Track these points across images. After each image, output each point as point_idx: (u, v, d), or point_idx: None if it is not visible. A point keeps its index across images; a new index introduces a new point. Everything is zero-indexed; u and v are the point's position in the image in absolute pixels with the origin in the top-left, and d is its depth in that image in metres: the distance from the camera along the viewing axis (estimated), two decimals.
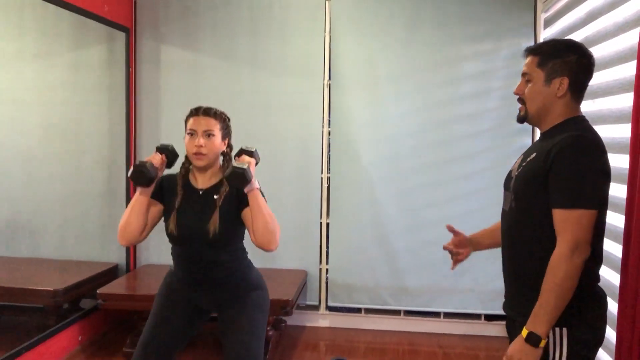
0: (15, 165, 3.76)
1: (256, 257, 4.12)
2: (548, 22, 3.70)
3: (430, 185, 4.03)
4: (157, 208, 2.24)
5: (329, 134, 4.13)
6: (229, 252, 2.24)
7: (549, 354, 1.65)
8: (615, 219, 2.35)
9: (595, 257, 1.70)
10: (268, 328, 3.60)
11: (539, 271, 1.66)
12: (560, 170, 1.60)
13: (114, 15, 3.93)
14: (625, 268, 1.94)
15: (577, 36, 3.06)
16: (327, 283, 4.18)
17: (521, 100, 1.80)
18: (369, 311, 4.18)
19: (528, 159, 1.75)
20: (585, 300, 1.66)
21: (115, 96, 4.13)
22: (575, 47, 1.74)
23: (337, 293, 4.16)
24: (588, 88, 1.77)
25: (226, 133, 2.28)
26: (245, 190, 2.11)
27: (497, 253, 1.99)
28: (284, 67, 4.11)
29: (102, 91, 4.14)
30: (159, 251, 4.20)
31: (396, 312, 4.16)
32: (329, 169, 4.14)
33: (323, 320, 4.22)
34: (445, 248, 2.21)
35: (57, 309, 3.65)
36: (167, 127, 4.23)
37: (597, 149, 1.64)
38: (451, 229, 2.17)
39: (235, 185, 2.10)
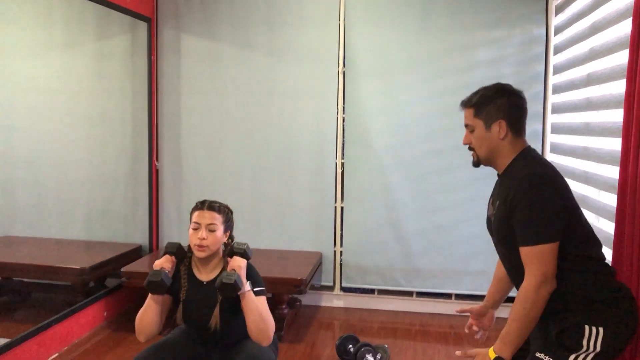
0: (43, 150, 3.92)
1: (273, 239, 4.31)
2: (559, 9, 3.75)
3: (441, 170, 4.11)
4: (167, 300, 2.35)
5: (343, 120, 4.23)
6: (237, 331, 2.34)
7: (582, 347, 1.73)
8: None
9: (600, 265, 1.81)
10: (283, 306, 3.75)
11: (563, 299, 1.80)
12: (518, 213, 1.75)
13: (137, 6, 4.08)
14: (620, 243, 2.02)
15: (586, 22, 3.12)
16: (341, 265, 4.31)
17: (471, 148, 1.95)
18: (381, 292, 4.31)
19: (496, 206, 1.89)
20: (611, 299, 1.77)
21: (138, 84, 4.29)
22: (503, 90, 1.88)
23: (351, 274, 4.29)
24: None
25: (228, 226, 2.37)
26: (239, 294, 2.21)
27: None
28: (300, 55, 4.22)
29: (126, 79, 4.30)
30: (179, 232, 4.38)
31: (408, 294, 4.28)
32: (343, 154, 4.25)
33: (337, 300, 4.35)
34: (469, 330, 2.30)
35: (83, 287, 3.84)
36: (187, 114, 4.38)
37: (545, 182, 1.76)
38: (463, 311, 2.29)
39: (226, 296, 2.21)
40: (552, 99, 3.86)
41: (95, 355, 3.40)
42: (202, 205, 2.33)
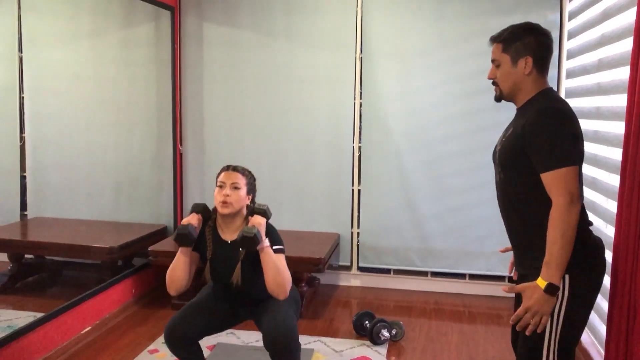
0: (72, 135, 4.08)
1: (292, 221, 4.45)
2: None
3: (456, 154, 4.21)
4: (195, 258, 2.55)
5: (360, 105, 4.35)
6: (260, 288, 2.49)
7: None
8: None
9: (583, 209, 1.90)
10: (303, 284, 3.91)
11: (533, 230, 1.89)
12: (536, 141, 1.81)
13: None
14: (620, 223, 2.13)
15: (599, 7, 3.18)
16: (358, 245, 4.45)
17: (495, 83, 2.03)
18: (397, 272, 4.45)
19: (507, 134, 1.98)
20: (581, 249, 1.85)
21: (162, 71, 4.44)
22: (532, 29, 1.95)
23: (368, 255, 4.43)
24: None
25: (251, 189, 2.55)
26: (258, 249, 2.38)
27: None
28: (318, 42, 4.33)
29: (150, 66, 4.45)
30: None
31: (423, 274, 4.41)
32: (360, 138, 4.37)
33: (355, 279, 4.50)
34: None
35: (112, 265, 4.02)
36: (209, 100, 4.53)
37: (564, 115, 1.84)
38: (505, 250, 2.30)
39: (246, 248, 2.38)
40: (566, 83, 3.92)
41: (125, 329, 3.60)
42: (227, 167, 2.52)
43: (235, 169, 2.52)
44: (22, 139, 3.64)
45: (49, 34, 3.87)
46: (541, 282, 1.81)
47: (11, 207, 3.70)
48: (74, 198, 4.15)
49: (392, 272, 4.46)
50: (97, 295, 3.65)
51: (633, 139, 2.03)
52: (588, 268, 1.89)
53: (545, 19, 3.99)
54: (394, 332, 3.42)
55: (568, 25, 3.91)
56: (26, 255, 3.88)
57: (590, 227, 1.97)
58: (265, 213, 2.48)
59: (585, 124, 3.40)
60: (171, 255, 3.94)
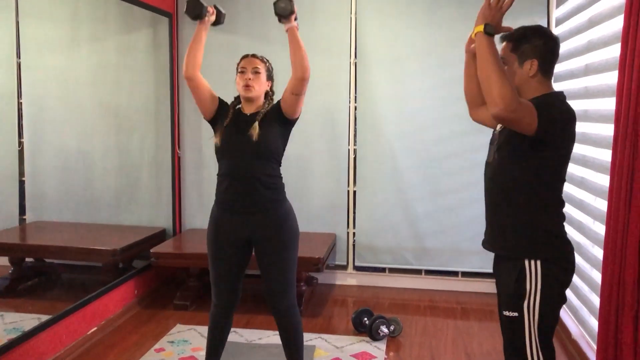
0: (71, 140, 4.13)
1: None
2: (560, 1, 3.95)
3: (449, 155, 4.35)
4: (211, 94, 2.69)
5: (355, 109, 4.47)
6: (268, 170, 2.59)
7: (526, 287, 1.95)
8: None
9: (559, 202, 2.01)
10: (302, 284, 4.02)
11: (514, 212, 1.99)
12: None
13: (158, 1, 4.30)
14: (610, 220, 2.27)
15: (584, 15, 3.33)
16: (354, 245, 4.57)
17: None
18: (392, 270, 4.58)
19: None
20: (557, 243, 1.98)
21: (160, 76, 4.52)
22: (542, 33, 2.03)
23: (364, 254, 4.55)
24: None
25: (269, 76, 2.71)
26: (285, 27, 2.55)
27: None
28: (313, 47, 4.42)
29: (148, 72, 4.53)
30: (201, 216, 4.64)
31: (417, 272, 4.54)
32: (355, 141, 4.50)
33: (351, 278, 4.62)
34: None
35: (114, 267, 4.09)
36: None
37: (565, 115, 1.96)
38: None
39: (281, 12, 2.51)
40: (554, 87, 4.06)
41: (130, 329, 3.69)
42: (247, 55, 2.69)
43: (254, 55, 2.68)
44: (20, 144, 3.70)
45: (48, 40, 3.93)
46: (480, 27, 1.94)
47: (10, 211, 3.75)
48: (73, 202, 4.21)
49: (387, 271, 4.59)
50: (102, 297, 3.72)
51: (621, 140, 2.17)
52: (561, 260, 1.99)
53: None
54: (392, 328, 3.54)
55: (555, 31, 4.06)
56: (27, 259, 3.95)
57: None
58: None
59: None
60: (172, 257, 4.10)
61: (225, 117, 2.65)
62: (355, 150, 4.50)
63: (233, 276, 2.67)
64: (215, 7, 2.76)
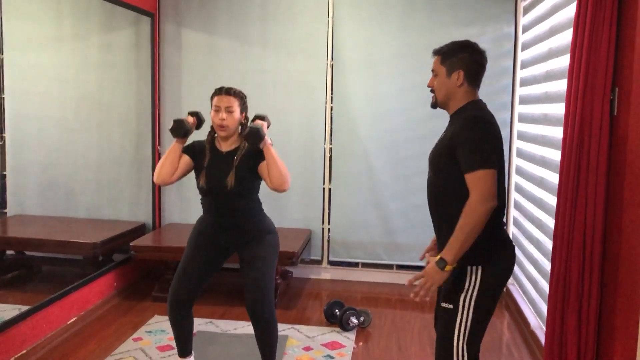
0: (54, 135, 4.22)
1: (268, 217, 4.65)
2: (526, 10, 4.14)
3: (421, 155, 4.44)
4: (188, 161, 2.79)
5: (331, 109, 4.63)
6: (246, 201, 2.79)
7: (464, 284, 2.08)
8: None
9: (498, 210, 2.11)
10: (277, 277, 4.16)
11: (452, 224, 2.08)
12: (462, 145, 2.04)
13: (140, 1, 4.41)
14: (558, 211, 2.45)
15: (548, 22, 3.51)
16: (328, 241, 4.74)
17: (432, 90, 2.25)
18: (365, 265, 4.75)
19: (441, 138, 2.24)
20: (492, 246, 2.11)
21: (141, 74, 4.63)
22: (468, 47, 2.18)
23: (337, 249, 4.71)
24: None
25: (243, 108, 2.82)
26: (260, 146, 2.66)
27: None
28: (291, 49, 4.59)
29: (130, 70, 4.64)
30: (180, 211, 4.77)
31: (389, 267, 4.72)
32: (331, 140, 4.65)
33: (325, 273, 4.78)
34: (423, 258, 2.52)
35: (94, 260, 4.18)
36: (187, 102, 4.74)
37: (487, 123, 2.08)
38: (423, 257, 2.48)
39: (252, 142, 2.64)
40: (520, 91, 4.28)
41: (109, 320, 3.80)
42: (220, 91, 2.78)
43: (227, 92, 2.76)
44: (2, 138, 3.79)
45: (31, 37, 4.01)
46: (438, 257, 2.04)
47: None
48: (54, 196, 4.30)
49: (360, 266, 4.76)
50: (81, 288, 3.83)
51: (569, 141, 2.35)
52: (497, 263, 2.12)
53: (502, 32, 4.34)
54: (362, 319, 3.70)
55: (522, 38, 4.27)
56: (7, 252, 4.04)
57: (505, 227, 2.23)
58: (264, 118, 2.80)
59: (534, 129, 3.76)
60: (152, 250, 4.22)
61: (203, 157, 2.78)
62: (330, 149, 4.66)
63: (197, 276, 2.81)
64: (197, 115, 2.87)
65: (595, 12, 2.26)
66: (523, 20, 4.24)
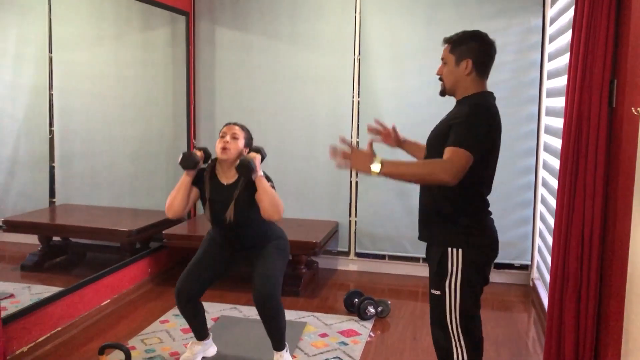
0: (96, 128, 4.49)
1: (295, 210, 4.82)
2: (553, 0, 4.08)
3: None
4: (196, 192, 2.91)
5: (358, 103, 4.70)
6: (251, 229, 2.91)
7: (447, 269, 2.13)
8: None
9: (480, 199, 2.19)
10: (302, 267, 4.28)
11: (437, 207, 2.18)
12: (457, 125, 2.07)
13: (176, 1, 4.62)
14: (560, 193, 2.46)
15: (569, 14, 3.46)
16: (355, 233, 4.82)
17: (441, 78, 2.29)
18: (391, 258, 4.81)
19: (442, 119, 2.27)
20: (475, 232, 2.15)
21: (177, 71, 4.84)
22: (478, 36, 2.22)
23: (364, 241, 4.79)
24: None
25: (248, 143, 2.91)
26: (253, 177, 2.75)
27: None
28: (320, 45, 4.69)
29: (167, 67, 4.86)
30: None
31: (415, 259, 4.75)
32: (358, 134, 4.73)
33: (352, 264, 4.87)
34: (370, 129, 2.62)
35: (131, 247, 4.43)
36: (220, 98, 4.93)
37: (487, 113, 2.12)
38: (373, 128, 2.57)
39: (242, 173, 2.73)
40: (547, 84, 4.21)
41: (141, 303, 4.02)
42: (229, 123, 2.91)
43: (235, 123, 2.91)
44: (51, 132, 4.08)
45: (76, 37, 4.29)
46: (377, 158, 2.08)
47: (41, 194, 4.13)
48: (96, 186, 4.58)
49: (386, 258, 4.81)
50: (116, 272, 4.07)
51: (570, 131, 2.35)
52: (476, 244, 2.15)
53: (529, 24, 4.29)
54: (380, 309, 3.77)
55: (549, 29, 4.20)
56: (54, 238, 4.33)
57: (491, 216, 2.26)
58: (259, 150, 2.90)
59: (562, 123, 3.70)
60: (184, 239, 4.41)
61: (205, 189, 2.89)
62: (357, 143, 4.73)
63: (203, 279, 2.95)
64: (204, 150, 2.95)
65: (593, 6, 2.25)
66: (550, 12, 4.18)
